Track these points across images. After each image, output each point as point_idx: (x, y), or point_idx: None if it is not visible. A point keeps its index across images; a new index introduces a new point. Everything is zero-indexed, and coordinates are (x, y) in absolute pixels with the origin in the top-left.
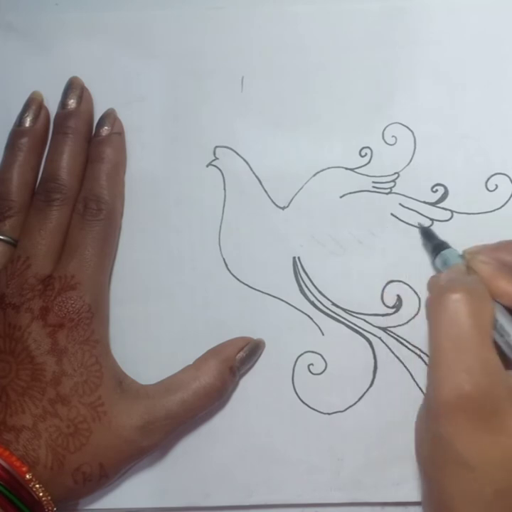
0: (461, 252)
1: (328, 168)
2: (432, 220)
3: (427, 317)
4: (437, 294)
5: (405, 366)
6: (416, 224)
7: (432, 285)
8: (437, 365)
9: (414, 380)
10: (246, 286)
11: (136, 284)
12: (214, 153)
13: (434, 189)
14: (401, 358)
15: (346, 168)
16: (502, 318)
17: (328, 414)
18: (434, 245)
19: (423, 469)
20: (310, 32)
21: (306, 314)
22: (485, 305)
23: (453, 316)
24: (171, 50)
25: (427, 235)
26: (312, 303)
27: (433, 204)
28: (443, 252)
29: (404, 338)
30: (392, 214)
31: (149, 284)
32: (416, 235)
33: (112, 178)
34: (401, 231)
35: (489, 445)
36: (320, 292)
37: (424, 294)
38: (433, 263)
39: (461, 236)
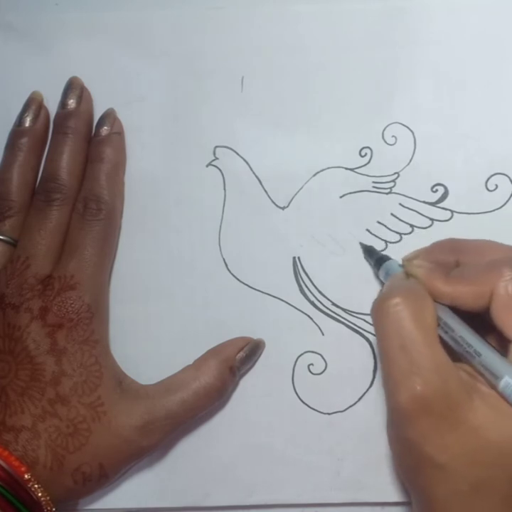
0: (398, 263)
1: (328, 168)
2: (432, 219)
3: (373, 324)
4: (378, 302)
5: None
6: (416, 224)
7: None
8: (388, 371)
9: None
10: (246, 286)
11: (136, 284)
12: (214, 153)
13: (434, 189)
14: None
15: (346, 168)
16: (444, 315)
17: (328, 414)
18: (376, 260)
19: (403, 477)
20: (310, 32)
21: (306, 314)
22: (425, 304)
23: (395, 320)
24: (171, 50)
25: (369, 251)
26: (312, 303)
27: (433, 204)
28: (384, 264)
29: None
30: (392, 214)
31: (149, 284)
32: (416, 234)
33: (111, 178)
34: (401, 231)
35: (453, 442)
36: (320, 292)
37: None
38: (377, 277)
39: (461, 236)
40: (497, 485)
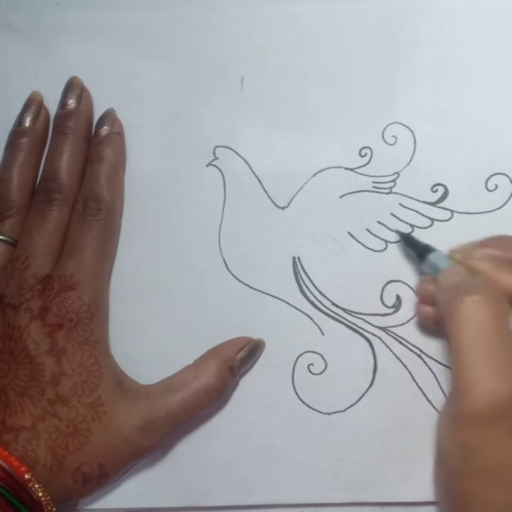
0: (445, 253)
1: (328, 168)
2: (432, 219)
3: (445, 323)
4: (455, 297)
5: (405, 366)
6: (416, 224)
7: (423, 288)
8: (464, 371)
9: (414, 380)
10: (246, 286)
11: (136, 284)
12: (214, 153)
13: (434, 189)
14: (401, 358)
15: (346, 168)
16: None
17: (328, 414)
18: (420, 249)
19: (448, 481)
20: (310, 32)
21: (306, 314)
22: (503, 305)
23: (476, 318)
24: (171, 50)
25: (409, 241)
26: (312, 303)
27: (433, 204)
28: (430, 255)
29: (404, 337)
30: (392, 214)
31: (149, 284)
32: (416, 234)
33: (111, 178)
34: (401, 231)
35: None
36: (320, 292)
37: None
38: (420, 268)
39: (461, 236)
40: None
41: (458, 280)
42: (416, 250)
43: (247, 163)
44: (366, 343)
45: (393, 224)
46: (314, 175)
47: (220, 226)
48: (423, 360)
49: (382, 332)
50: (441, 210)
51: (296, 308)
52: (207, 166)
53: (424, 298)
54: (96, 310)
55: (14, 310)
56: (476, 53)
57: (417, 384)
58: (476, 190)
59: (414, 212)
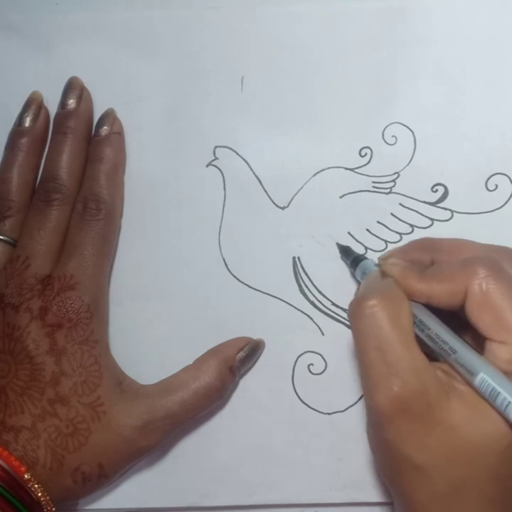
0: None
1: (328, 168)
2: (432, 219)
3: (351, 328)
4: (354, 303)
5: None
6: (416, 224)
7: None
8: (366, 373)
9: None
10: (246, 286)
11: (136, 284)
12: (214, 153)
13: (434, 189)
14: None
15: (346, 168)
16: (420, 313)
17: (328, 414)
18: (352, 259)
19: (384, 479)
20: (310, 32)
21: (306, 314)
22: (401, 305)
23: (372, 321)
24: (171, 50)
25: (345, 252)
26: (312, 303)
27: (433, 204)
28: (361, 264)
29: None
30: (392, 214)
31: (149, 284)
32: (416, 234)
33: (111, 178)
34: (401, 231)
35: (433, 443)
36: (320, 292)
37: None
38: (354, 277)
39: (461, 236)
40: (477, 484)
41: (366, 285)
42: (349, 260)
43: (247, 163)
44: None
45: (393, 224)
46: (314, 175)
47: (220, 226)
48: None
49: None
50: (441, 210)
51: (296, 308)
52: (207, 166)
53: None
54: (96, 310)
55: (14, 310)
56: (476, 53)
57: None
58: (476, 190)
59: (414, 212)
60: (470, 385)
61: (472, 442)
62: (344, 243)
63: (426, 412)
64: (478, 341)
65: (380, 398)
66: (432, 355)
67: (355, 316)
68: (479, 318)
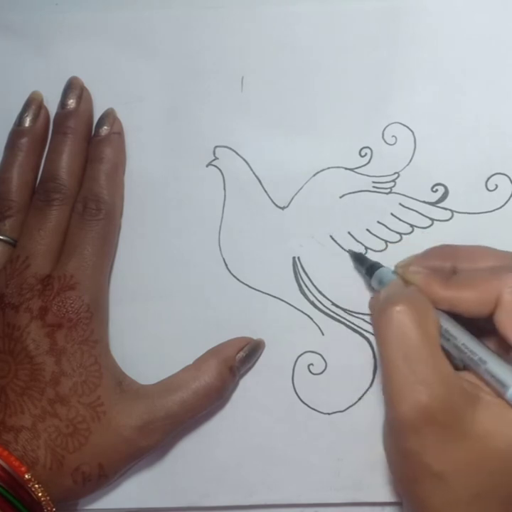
0: (391, 269)
1: (328, 168)
2: (432, 219)
3: (374, 334)
4: (380, 309)
5: None
6: (416, 224)
7: (374, 304)
8: (391, 380)
9: None
10: (246, 286)
11: (136, 284)
12: (214, 153)
13: (434, 189)
14: None
15: (346, 168)
16: (445, 322)
17: (328, 414)
18: (368, 267)
19: (399, 486)
20: (310, 32)
21: (306, 314)
22: (429, 313)
23: (400, 328)
24: (171, 50)
25: (359, 259)
26: (312, 303)
27: (433, 204)
28: (377, 272)
29: None
30: (392, 214)
31: (149, 284)
32: (416, 234)
33: (111, 178)
34: (401, 231)
35: (457, 453)
36: (320, 292)
37: None
38: (369, 285)
39: (461, 236)
40: (498, 493)
41: (389, 292)
42: (365, 268)
43: (247, 163)
44: (366, 343)
45: (393, 224)
46: (314, 175)
47: (220, 226)
48: None
49: None
50: (441, 210)
51: (296, 308)
52: (207, 166)
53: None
54: (96, 310)
55: (14, 310)
56: (475, 53)
57: None
58: (476, 190)
59: (414, 212)
60: (500, 396)
61: (497, 451)
62: (345, 245)
63: (452, 422)
64: (502, 350)
65: (405, 407)
66: (453, 364)
67: (381, 323)
68: (510, 327)
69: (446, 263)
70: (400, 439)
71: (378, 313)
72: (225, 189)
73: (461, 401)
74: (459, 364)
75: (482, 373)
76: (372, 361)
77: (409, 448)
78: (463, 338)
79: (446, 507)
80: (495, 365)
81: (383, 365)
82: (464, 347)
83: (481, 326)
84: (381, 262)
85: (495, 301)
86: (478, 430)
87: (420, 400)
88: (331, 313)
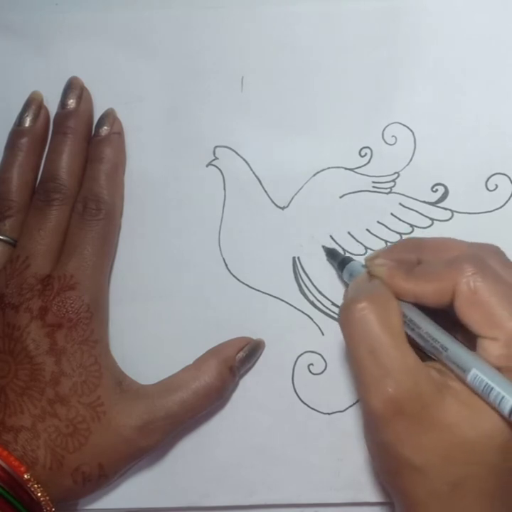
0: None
1: (328, 168)
2: (432, 219)
3: (342, 333)
4: (343, 307)
5: None
6: (416, 224)
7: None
8: (359, 376)
9: None
10: (246, 286)
11: (136, 284)
12: (214, 153)
13: (434, 189)
14: None
15: (346, 168)
16: (409, 312)
17: (328, 414)
18: (340, 262)
19: (383, 480)
20: (310, 32)
21: (306, 314)
22: (390, 305)
23: (362, 325)
24: (170, 50)
25: (331, 254)
26: (312, 303)
27: (433, 204)
28: (347, 266)
29: None
30: (392, 214)
31: (149, 284)
32: (416, 234)
33: (111, 178)
34: (401, 231)
35: (430, 443)
36: (320, 292)
37: None
38: (341, 279)
39: (461, 236)
40: (475, 481)
41: (354, 287)
42: (336, 262)
43: (247, 163)
44: None
45: (393, 224)
46: (314, 175)
47: (220, 226)
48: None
49: None
50: (441, 210)
51: (296, 308)
52: (207, 166)
53: None
54: (96, 310)
55: (14, 310)
56: (476, 53)
57: None
58: (476, 190)
59: (414, 212)
60: (463, 382)
61: (469, 440)
62: (345, 245)
63: (421, 412)
64: (469, 339)
65: (374, 401)
66: (424, 355)
67: (345, 321)
68: (469, 315)
69: (412, 255)
70: (376, 433)
71: (342, 311)
72: (225, 189)
73: (428, 390)
74: (429, 354)
75: (445, 360)
76: None
77: (384, 441)
78: (426, 327)
79: (427, 498)
80: (455, 351)
81: (351, 361)
82: (427, 335)
83: (455, 318)
84: None
85: (452, 290)
86: (448, 419)
87: (387, 391)
88: (331, 313)
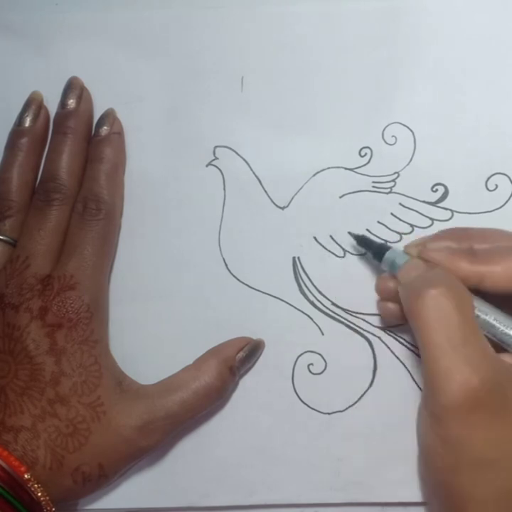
0: (401, 249)
1: (328, 168)
2: (432, 219)
3: (410, 318)
4: (416, 292)
5: (405, 366)
6: (416, 224)
7: (383, 285)
8: (436, 364)
9: (414, 380)
10: (246, 286)
11: (136, 284)
12: (214, 153)
13: (434, 189)
14: (400, 358)
15: (346, 168)
16: (476, 301)
17: (328, 414)
18: (376, 248)
19: (433, 480)
20: (310, 32)
21: (306, 314)
22: (465, 294)
23: (441, 311)
24: (170, 50)
25: (365, 241)
26: (312, 303)
27: (433, 204)
28: (388, 254)
29: (404, 337)
30: (392, 214)
31: (149, 284)
32: (416, 234)
33: (111, 178)
34: (401, 231)
35: (506, 438)
36: (320, 292)
37: None
38: (379, 266)
39: None
40: None
41: (417, 274)
42: (372, 250)
43: (247, 163)
44: (366, 343)
45: (393, 224)
46: (314, 175)
47: (220, 226)
48: None
49: (382, 332)
50: (441, 210)
51: (296, 308)
52: (207, 166)
53: (385, 295)
54: (95, 310)
55: (14, 310)
56: (476, 53)
57: (417, 384)
58: (476, 190)
59: (414, 212)
60: None
61: None
62: (346, 245)
63: (501, 406)
64: None
65: (453, 390)
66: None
67: (420, 306)
68: None
69: (462, 243)
70: (445, 426)
71: (414, 297)
72: (225, 189)
73: (507, 383)
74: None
75: None
76: (372, 361)
77: (455, 434)
78: (495, 314)
79: (491, 497)
80: None
81: (425, 350)
82: (497, 322)
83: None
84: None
85: None
86: None
87: (470, 381)
88: (331, 313)
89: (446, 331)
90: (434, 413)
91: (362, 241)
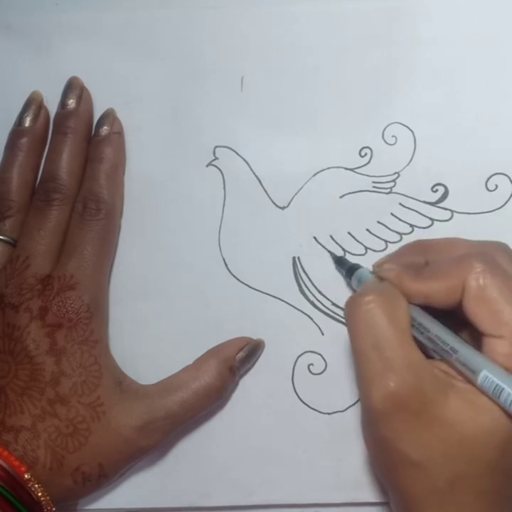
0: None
1: (328, 168)
2: (432, 219)
3: (347, 326)
4: (350, 300)
5: None
6: (416, 224)
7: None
8: (361, 370)
9: None
10: (246, 286)
11: (136, 284)
12: (214, 153)
13: (434, 189)
14: None
15: (346, 168)
16: (418, 315)
17: (328, 414)
18: (348, 269)
19: (381, 476)
20: (310, 32)
21: (306, 314)
22: (398, 303)
23: (368, 318)
24: (170, 50)
25: (340, 262)
26: (312, 303)
27: (433, 204)
28: (356, 273)
29: None
30: (392, 214)
31: (149, 284)
32: (416, 234)
33: (111, 178)
34: (401, 231)
35: (430, 440)
36: (320, 292)
37: None
38: (350, 286)
39: (461, 236)
40: (473, 479)
41: (362, 287)
42: (345, 269)
43: (247, 163)
44: None
45: (393, 224)
46: (314, 175)
47: (220, 226)
48: None
49: None
50: (441, 210)
51: (296, 308)
52: (207, 166)
53: None
54: (95, 310)
55: (14, 310)
56: (476, 53)
57: None
58: (476, 190)
59: (414, 212)
60: (472, 383)
61: (470, 437)
62: (345, 245)
63: (423, 409)
64: (475, 338)
65: (375, 395)
66: (431, 356)
67: (351, 313)
68: (477, 313)
69: (419, 258)
70: (375, 428)
71: (348, 304)
72: (224, 189)
73: (431, 388)
74: (436, 356)
75: (454, 362)
76: None
77: (383, 436)
78: (435, 330)
79: (425, 495)
80: (465, 354)
81: (354, 355)
82: (437, 338)
83: (460, 319)
84: None
85: (462, 288)
86: (450, 417)
87: (389, 386)
88: (331, 313)
89: (372, 336)
90: (364, 415)
91: (338, 261)
